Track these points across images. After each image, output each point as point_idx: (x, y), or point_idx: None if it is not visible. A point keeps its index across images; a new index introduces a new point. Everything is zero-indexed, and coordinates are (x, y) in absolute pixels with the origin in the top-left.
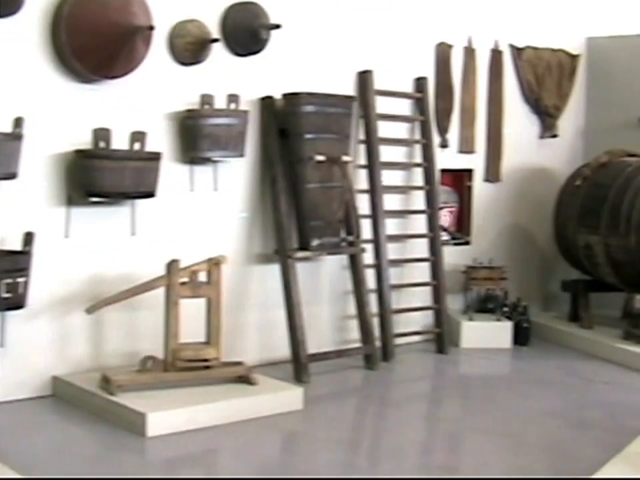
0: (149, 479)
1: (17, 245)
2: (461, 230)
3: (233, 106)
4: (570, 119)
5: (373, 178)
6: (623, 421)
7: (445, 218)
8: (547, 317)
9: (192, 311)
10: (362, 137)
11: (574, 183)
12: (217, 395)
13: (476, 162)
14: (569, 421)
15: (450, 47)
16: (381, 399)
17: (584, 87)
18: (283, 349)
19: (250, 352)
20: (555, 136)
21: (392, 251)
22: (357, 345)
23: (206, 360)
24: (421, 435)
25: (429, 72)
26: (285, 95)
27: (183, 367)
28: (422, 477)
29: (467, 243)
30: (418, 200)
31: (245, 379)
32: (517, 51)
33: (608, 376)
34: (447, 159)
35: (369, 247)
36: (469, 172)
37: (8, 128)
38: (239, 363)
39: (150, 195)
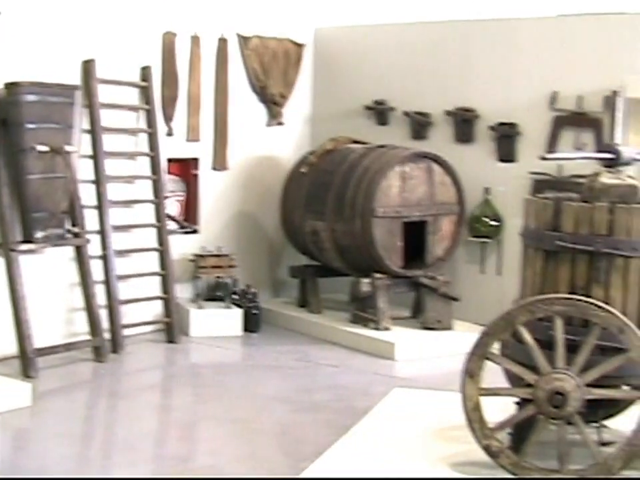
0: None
1: None
2: (189, 219)
3: None
4: (296, 107)
5: (98, 168)
6: (350, 402)
7: (173, 207)
8: (277, 302)
9: None
10: (86, 126)
11: (300, 170)
12: None
13: (202, 150)
14: (299, 405)
15: (175, 35)
16: (111, 391)
17: (310, 75)
18: (9, 344)
19: None
20: (281, 124)
21: (119, 241)
22: (86, 337)
23: None
24: (153, 426)
25: (154, 60)
26: (5, 84)
27: None
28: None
29: (195, 232)
30: (144, 189)
31: None
32: (243, 40)
33: (336, 359)
34: (174, 147)
35: (95, 238)
36: (195, 160)
37: None
38: None
39: None
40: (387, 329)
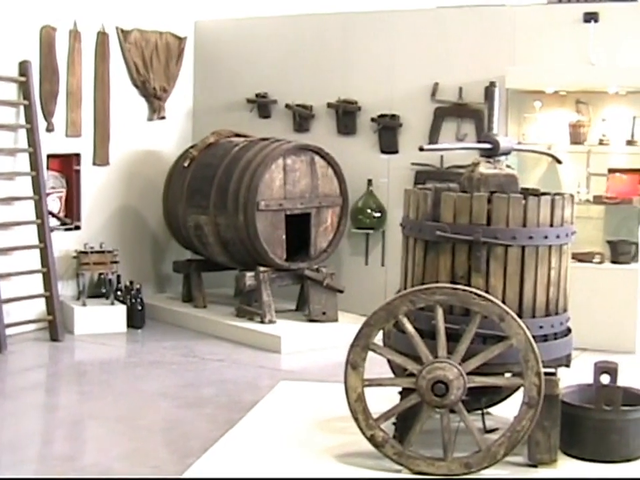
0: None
1: None
2: (71, 215)
3: None
4: (178, 101)
5: None
6: (236, 397)
7: (54, 203)
8: (161, 298)
9: None
10: None
11: (182, 164)
12: None
13: (83, 146)
14: (184, 400)
15: (54, 29)
16: None
17: (192, 69)
18: None
19: None
20: (162, 118)
21: None
22: None
23: None
24: (38, 425)
25: (33, 55)
26: None
27: None
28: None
29: (77, 228)
30: (24, 186)
31: None
32: (123, 33)
33: (222, 353)
34: (54, 143)
35: None
36: (76, 156)
37: None
38: None
39: None
40: (272, 322)
